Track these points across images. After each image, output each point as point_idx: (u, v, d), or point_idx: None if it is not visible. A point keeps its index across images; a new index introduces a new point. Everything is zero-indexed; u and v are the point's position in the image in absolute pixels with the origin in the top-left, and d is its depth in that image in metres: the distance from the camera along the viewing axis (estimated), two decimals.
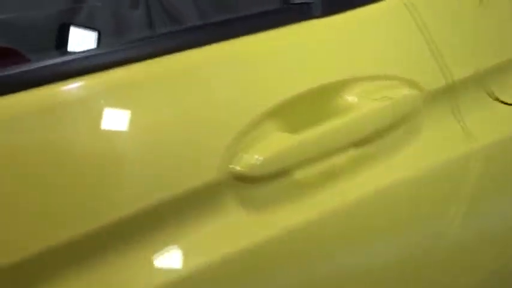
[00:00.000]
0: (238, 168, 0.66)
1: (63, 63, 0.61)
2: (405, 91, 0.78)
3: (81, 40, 0.76)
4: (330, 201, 0.72)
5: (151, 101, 0.62)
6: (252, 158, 0.66)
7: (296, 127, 0.70)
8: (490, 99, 0.89)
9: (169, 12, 1.34)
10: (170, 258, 0.63)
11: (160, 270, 0.62)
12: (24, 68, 0.59)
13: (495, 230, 0.91)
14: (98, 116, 0.59)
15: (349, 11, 0.75)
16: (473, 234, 0.88)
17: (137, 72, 0.63)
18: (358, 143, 0.74)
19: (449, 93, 0.84)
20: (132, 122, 0.61)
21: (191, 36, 0.69)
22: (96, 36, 0.75)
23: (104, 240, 0.59)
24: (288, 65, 0.71)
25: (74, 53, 0.64)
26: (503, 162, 0.89)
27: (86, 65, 0.61)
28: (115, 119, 0.60)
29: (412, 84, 0.79)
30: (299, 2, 0.73)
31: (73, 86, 0.59)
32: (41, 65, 0.60)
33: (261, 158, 0.66)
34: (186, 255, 0.63)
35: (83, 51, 0.66)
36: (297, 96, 0.70)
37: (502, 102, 0.90)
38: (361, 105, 0.73)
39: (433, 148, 0.82)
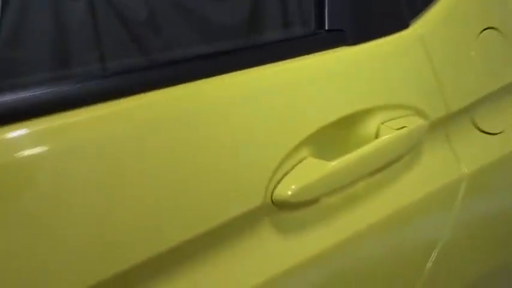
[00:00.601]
0: (280, 194, 0.66)
1: None
2: (417, 120, 0.81)
3: None
4: (352, 224, 0.74)
5: (197, 132, 0.61)
6: (293, 185, 0.66)
7: (327, 153, 0.71)
8: (474, 128, 0.95)
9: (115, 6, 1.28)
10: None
11: None
12: None
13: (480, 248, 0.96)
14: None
15: (377, 39, 0.77)
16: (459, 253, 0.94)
17: (180, 100, 0.61)
18: (378, 170, 0.77)
19: (444, 123, 0.88)
20: (181, 153, 0.59)
21: (220, 63, 0.67)
22: None
23: (145, 269, 0.57)
24: (323, 92, 0.71)
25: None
26: (487, 189, 0.95)
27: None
28: (168, 149, 0.58)
29: (420, 113, 0.82)
30: (332, 28, 0.73)
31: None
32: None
33: (301, 186, 0.67)
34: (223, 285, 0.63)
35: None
36: (329, 124, 0.71)
37: (483, 132, 0.96)
38: (384, 134, 0.75)
39: (431, 174, 0.86)
